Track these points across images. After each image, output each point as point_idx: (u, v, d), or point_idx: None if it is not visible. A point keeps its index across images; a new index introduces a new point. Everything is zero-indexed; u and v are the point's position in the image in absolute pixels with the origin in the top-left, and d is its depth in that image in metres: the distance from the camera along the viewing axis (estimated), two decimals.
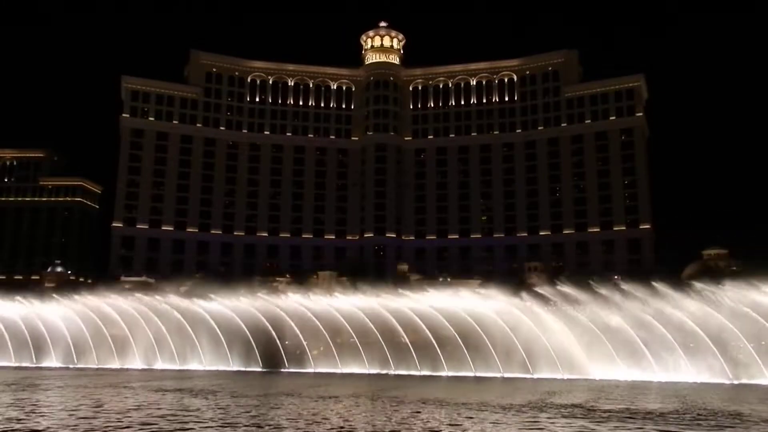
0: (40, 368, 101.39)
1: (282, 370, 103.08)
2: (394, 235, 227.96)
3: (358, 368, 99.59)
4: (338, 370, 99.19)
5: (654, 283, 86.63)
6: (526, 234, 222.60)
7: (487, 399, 48.13)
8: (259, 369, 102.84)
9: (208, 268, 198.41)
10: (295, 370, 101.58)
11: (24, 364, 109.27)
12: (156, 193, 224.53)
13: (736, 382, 79.95)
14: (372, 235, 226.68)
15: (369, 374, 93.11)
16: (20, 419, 31.95)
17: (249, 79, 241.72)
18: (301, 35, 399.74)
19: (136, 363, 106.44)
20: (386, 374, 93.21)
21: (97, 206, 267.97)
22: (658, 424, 33.79)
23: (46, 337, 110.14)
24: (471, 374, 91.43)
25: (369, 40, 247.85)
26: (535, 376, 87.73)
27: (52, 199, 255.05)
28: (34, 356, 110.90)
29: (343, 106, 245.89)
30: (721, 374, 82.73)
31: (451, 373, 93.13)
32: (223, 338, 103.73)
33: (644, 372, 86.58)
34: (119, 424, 30.98)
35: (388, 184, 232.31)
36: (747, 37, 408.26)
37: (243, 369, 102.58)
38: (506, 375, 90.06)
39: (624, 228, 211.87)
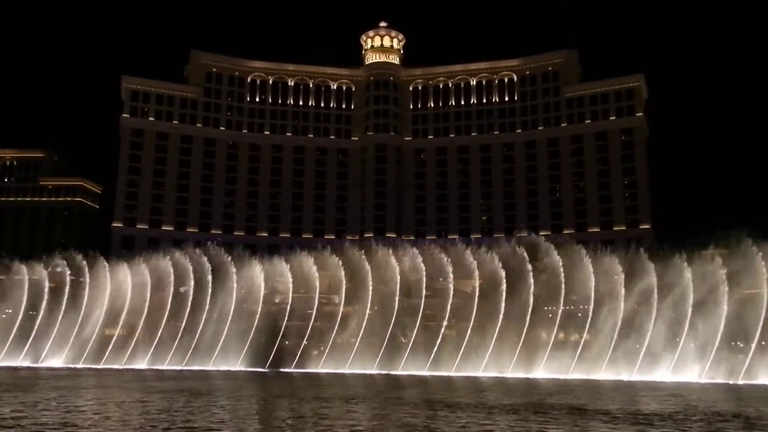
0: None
1: (281, 370, 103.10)
2: (394, 235, 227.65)
3: (359, 368, 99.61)
4: (339, 371, 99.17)
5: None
6: (526, 234, 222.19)
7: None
8: (258, 369, 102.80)
9: None
10: (295, 370, 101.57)
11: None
12: (156, 193, 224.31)
13: (739, 382, 79.92)
14: (372, 235, 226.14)
15: (371, 374, 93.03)
16: None
17: (249, 79, 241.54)
18: (301, 35, 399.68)
19: (140, 363, 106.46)
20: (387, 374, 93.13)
21: (97, 206, 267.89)
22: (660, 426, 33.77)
23: None
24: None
25: (369, 40, 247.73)
26: None
27: (52, 199, 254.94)
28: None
29: (343, 106, 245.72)
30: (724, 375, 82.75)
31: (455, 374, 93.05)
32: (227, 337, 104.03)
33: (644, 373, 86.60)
34: None
35: (388, 184, 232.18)
36: (747, 37, 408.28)
37: (241, 369, 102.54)
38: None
39: (624, 228, 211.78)
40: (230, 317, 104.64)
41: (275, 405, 43.45)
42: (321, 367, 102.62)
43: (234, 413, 37.64)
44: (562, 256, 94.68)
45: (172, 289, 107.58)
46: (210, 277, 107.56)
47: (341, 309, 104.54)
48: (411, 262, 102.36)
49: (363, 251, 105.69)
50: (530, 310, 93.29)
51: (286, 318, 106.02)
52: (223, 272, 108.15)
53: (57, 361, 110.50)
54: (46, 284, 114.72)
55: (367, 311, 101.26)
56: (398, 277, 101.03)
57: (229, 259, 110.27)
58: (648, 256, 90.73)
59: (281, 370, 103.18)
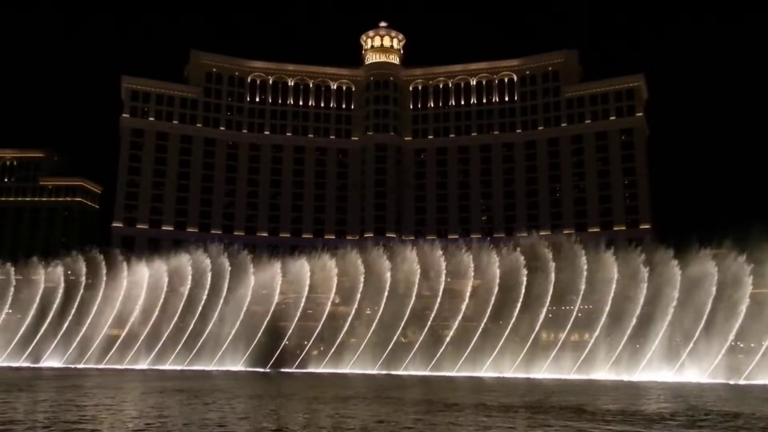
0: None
1: (282, 370, 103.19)
2: (394, 235, 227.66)
3: (359, 368, 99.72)
4: (339, 370, 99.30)
5: None
6: (525, 234, 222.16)
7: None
8: (259, 369, 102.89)
9: None
10: (295, 371, 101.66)
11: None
12: (156, 193, 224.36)
13: (740, 382, 79.99)
14: (372, 235, 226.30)
15: (370, 375, 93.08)
16: None
17: (249, 79, 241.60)
18: (301, 35, 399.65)
19: (141, 363, 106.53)
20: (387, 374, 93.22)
21: (97, 206, 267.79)
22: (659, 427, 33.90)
23: None
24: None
25: (369, 40, 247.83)
26: None
27: (52, 199, 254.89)
28: None
29: (343, 106, 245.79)
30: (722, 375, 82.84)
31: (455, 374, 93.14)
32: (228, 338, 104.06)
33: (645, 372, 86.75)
34: None
35: (388, 184, 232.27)
36: (747, 37, 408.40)
37: (242, 369, 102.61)
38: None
39: (624, 228, 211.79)
40: (240, 318, 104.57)
41: (291, 404, 43.62)
42: (323, 367, 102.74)
43: (250, 412, 37.79)
44: (575, 254, 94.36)
45: (187, 289, 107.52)
46: (226, 277, 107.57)
47: (346, 310, 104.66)
48: (428, 261, 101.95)
49: (381, 250, 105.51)
50: (545, 310, 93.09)
51: (297, 318, 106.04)
52: (233, 273, 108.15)
53: (56, 362, 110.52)
54: (62, 284, 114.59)
55: (379, 311, 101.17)
56: (417, 277, 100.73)
57: (250, 258, 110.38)
58: (675, 256, 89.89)
59: (282, 370, 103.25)
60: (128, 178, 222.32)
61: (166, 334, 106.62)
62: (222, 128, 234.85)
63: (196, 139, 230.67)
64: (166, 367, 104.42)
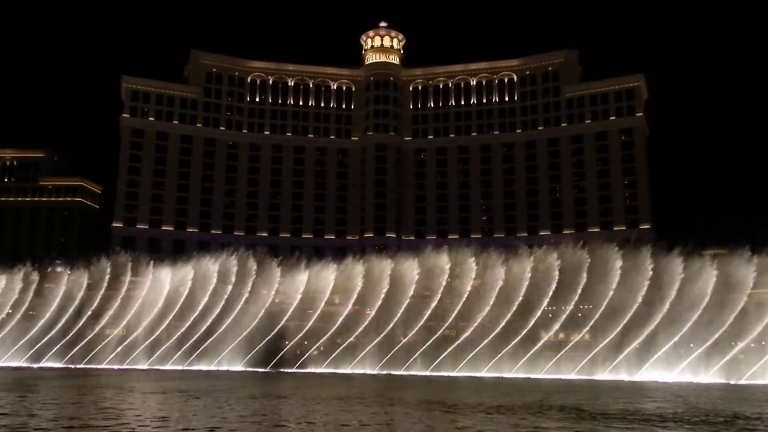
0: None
1: (282, 370, 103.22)
2: (394, 235, 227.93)
3: (359, 368, 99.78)
4: (339, 370, 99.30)
5: None
6: (526, 234, 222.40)
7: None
8: (260, 370, 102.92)
9: None
10: (295, 371, 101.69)
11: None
12: (156, 193, 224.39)
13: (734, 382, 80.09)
14: (372, 235, 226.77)
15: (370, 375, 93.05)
16: None
17: (249, 79, 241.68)
18: (301, 35, 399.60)
19: (140, 364, 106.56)
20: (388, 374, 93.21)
21: (97, 206, 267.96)
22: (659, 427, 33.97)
23: None
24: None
25: (369, 40, 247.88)
26: None
27: (52, 199, 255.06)
28: None
29: (343, 106, 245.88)
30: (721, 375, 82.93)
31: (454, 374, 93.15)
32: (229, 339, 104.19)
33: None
34: None
35: (388, 184, 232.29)
36: (747, 37, 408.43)
37: (242, 370, 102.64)
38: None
39: (624, 228, 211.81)
40: (256, 320, 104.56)
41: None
42: (324, 367, 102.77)
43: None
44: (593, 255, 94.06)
45: (207, 293, 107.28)
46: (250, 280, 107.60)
47: (347, 310, 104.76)
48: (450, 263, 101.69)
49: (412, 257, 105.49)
50: (567, 311, 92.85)
51: (298, 319, 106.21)
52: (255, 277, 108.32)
53: (57, 362, 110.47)
54: (84, 287, 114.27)
55: (397, 313, 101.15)
56: (445, 279, 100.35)
57: (275, 263, 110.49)
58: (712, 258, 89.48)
59: (282, 370, 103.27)
60: (128, 178, 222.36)
61: (175, 336, 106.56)
62: (222, 128, 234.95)
63: (196, 139, 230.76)
64: (167, 367, 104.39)
